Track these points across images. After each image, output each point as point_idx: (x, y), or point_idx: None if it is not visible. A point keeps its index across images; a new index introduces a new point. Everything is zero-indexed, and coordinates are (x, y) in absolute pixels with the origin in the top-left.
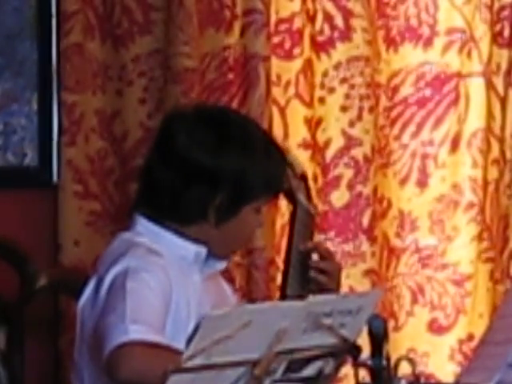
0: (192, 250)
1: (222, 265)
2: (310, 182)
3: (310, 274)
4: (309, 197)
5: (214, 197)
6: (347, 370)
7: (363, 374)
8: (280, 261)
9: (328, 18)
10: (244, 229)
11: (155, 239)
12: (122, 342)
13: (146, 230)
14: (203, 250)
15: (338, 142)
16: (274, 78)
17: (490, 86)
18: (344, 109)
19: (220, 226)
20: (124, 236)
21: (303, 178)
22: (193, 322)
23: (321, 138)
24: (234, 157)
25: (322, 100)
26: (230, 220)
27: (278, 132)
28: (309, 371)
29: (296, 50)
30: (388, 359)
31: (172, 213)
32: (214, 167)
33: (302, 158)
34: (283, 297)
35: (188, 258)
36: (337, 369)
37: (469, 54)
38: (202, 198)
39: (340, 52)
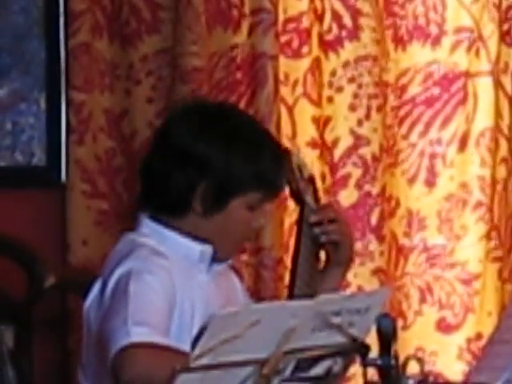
0: (197, 249)
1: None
2: (318, 182)
3: (317, 234)
4: (316, 199)
5: (197, 184)
6: (356, 369)
7: (372, 373)
8: (288, 260)
9: (336, 16)
10: (235, 225)
11: (160, 240)
12: (124, 344)
13: (150, 231)
14: (209, 249)
15: (346, 141)
16: (281, 77)
17: (498, 84)
18: (352, 108)
19: (208, 216)
20: (129, 237)
21: (311, 180)
22: (198, 323)
23: (329, 137)
24: (218, 144)
25: (330, 99)
26: (218, 212)
27: (286, 131)
28: (317, 370)
29: (304, 49)
30: (396, 358)
31: (165, 205)
32: (196, 153)
33: (310, 158)
34: (290, 297)
35: (193, 258)
36: (345, 368)
37: (477, 53)
38: (186, 184)
39: (348, 51)
